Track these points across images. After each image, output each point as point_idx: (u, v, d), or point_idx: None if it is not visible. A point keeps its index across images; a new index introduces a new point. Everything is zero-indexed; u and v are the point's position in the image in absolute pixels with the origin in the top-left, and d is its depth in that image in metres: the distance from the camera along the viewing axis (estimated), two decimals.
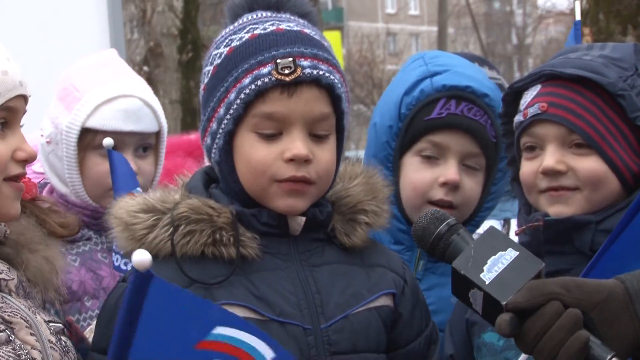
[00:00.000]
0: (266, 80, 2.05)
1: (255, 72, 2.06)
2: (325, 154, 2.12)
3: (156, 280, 1.64)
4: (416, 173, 2.64)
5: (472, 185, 2.61)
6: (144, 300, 1.63)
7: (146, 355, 1.66)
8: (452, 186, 2.58)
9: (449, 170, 2.56)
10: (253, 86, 2.06)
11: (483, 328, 2.37)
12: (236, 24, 2.18)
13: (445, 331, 2.48)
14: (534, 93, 2.33)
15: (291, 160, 2.06)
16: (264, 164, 2.07)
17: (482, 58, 3.75)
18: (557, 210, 2.30)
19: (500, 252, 1.83)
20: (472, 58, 3.61)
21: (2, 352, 1.81)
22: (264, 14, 2.18)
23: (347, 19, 48.01)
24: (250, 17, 2.18)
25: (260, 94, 2.06)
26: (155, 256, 2.06)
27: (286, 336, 2.05)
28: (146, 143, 2.97)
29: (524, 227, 2.34)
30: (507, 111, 2.43)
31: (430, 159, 2.59)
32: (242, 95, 2.07)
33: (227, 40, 2.15)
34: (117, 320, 1.66)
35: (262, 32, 2.12)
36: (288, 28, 2.13)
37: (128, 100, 2.91)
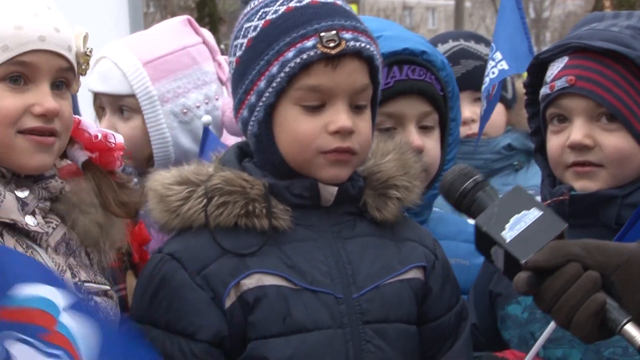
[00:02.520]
0: (311, 53, 2.05)
1: (299, 45, 2.06)
2: (365, 125, 2.14)
3: None
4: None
5: (433, 144, 2.60)
6: None
7: None
8: (417, 153, 2.52)
9: (411, 138, 2.53)
10: (298, 59, 2.05)
11: (507, 300, 2.37)
12: None
13: (469, 300, 2.48)
14: (561, 65, 2.31)
15: (336, 132, 2.08)
16: (309, 136, 2.08)
17: (477, 35, 3.71)
18: (582, 185, 2.29)
19: (524, 211, 1.83)
20: (467, 36, 3.59)
21: None
22: None
23: None
24: None
25: (304, 67, 2.06)
26: (189, 227, 2.12)
27: (318, 304, 2.07)
28: (121, 104, 2.95)
29: (549, 201, 2.33)
30: (532, 81, 2.42)
31: (389, 130, 2.56)
32: (287, 69, 2.06)
33: (260, 13, 2.14)
34: None
35: (298, 4, 2.11)
36: (323, 0, 2.14)
37: (101, 62, 2.95)
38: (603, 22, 2.37)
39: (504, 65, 3.29)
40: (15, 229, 1.97)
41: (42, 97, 2.01)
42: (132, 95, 2.92)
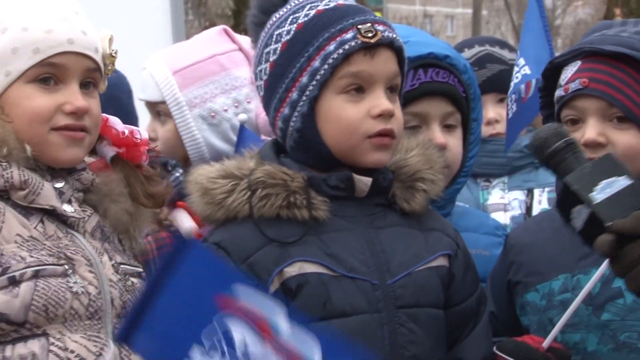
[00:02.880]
0: (352, 43, 2.10)
1: (339, 38, 2.11)
2: (399, 110, 2.18)
3: (195, 244, 1.65)
4: None
5: (456, 142, 2.60)
6: (179, 262, 1.64)
7: (164, 317, 1.66)
8: (440, 150, 2.57)
9: (435, 136, 2.55)
10: (340, 50, 2.10)
11: (526, 288, 2.37)
12: (291, 6, 2.20)
13: (487, 289, 2.48)
14: (575, 69, 2.31)
15: (379, 115, 2.11)
16: (355, 122, 2.11)
17: (502, 41, 3.72)
18: None
19: (615, 177, 1.82)
20: (492, 42, 3.59)
21: (55, 283, 1.90)
22: None
23: (387, 2, 47.64)
24: (300, 0, 2.21)
25: (346, 57, 2.10)
26: (234, 218, 2.13)
27: (356, 290, 2.09)
28: (157, 110, 3.01)
29: None
30: (546, 85, 2.43)
31: (415, 129, 2.57)
32: (330, 60, 2.10)
33: (290, 19, 2.17)
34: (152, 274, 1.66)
35: (326, 7, 2.16)
36: (346, 3, 2.19)
37: (144, 72, 3.03)
38: (612, 29, 2.39)
39: (526, 70, 3.32)
40: (54, 215, 2.00)
41: (72, 96, 2.03)
42: (164, 102, 2.99)
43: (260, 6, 2.26)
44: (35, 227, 1.94)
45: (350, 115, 2.11)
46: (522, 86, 3.34)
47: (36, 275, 1.87)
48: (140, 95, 3.05)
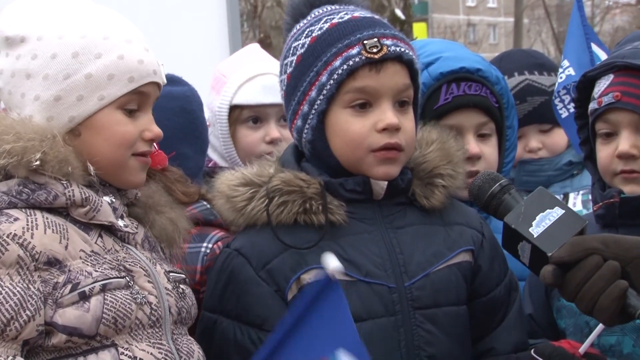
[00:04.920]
0: (357, 59, 2.05)
1: (345, 54, 2.06)
2: (409, 122, 2.12)
3: (337, 287, 1.62)
4: None
5: (490, 150, 2.58)
6: (318, 302, 1.61)
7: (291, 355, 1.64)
8: (475, 159, 2.55)
9: (470, 146, 2.52)
10: (345, 66, 2.05)
11: None
12: (309, 18, 2.17)
13: (525, 291, 2.44)
14: (607, 82, 2.26)
15: (384, 129, 2.06)
16: (360, 136, 2.06)
17: (539, 63, 3.63)
18: (631, 189, 2.25)
19: (548, 210, 1.85)
20: (531, 67, 3.51)
21: (121, 295, 1.88)
22: (333, 7, 2.18)
23: (432, 12, 47.39)
24: (321, 11, 2.17)
25: (351, 73, 2.05)
26: (253, 225, 2.11)
27: (372, 294, 2.05)
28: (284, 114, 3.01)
29: (600, 203, 2.29)
30: (579, 97, 2.38)
31: None
32: (335, 76, 2.06)
33: (306, 32, 2.14)
34: (291, 311, 1.65)
35: (340, 20, 2.12)
36: (362, 15, 2.14)
37: (265, 77, 2.98)
38: None
39: (571, 71, 3.30)
40: (109, 230, 1.98)
41: (150, 124, 2.03)
42: None
43: (291, 14, 2.22)
44: (95, 242, 1.93)
45: (356, 129, 2.06)
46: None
47: (104, 289, 1.86)
48: (267, 99, 2.97)
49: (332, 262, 1.61)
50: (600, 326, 2.05)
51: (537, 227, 1.82)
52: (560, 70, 3.36)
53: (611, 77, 2.27)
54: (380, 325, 2.04)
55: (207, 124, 2.98)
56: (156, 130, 2.04)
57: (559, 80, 3.33)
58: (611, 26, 42.64)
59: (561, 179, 3.38)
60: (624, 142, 2.23)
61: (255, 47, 3.25)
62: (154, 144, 2.10)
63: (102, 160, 1.97)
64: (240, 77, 2.99)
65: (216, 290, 2.12)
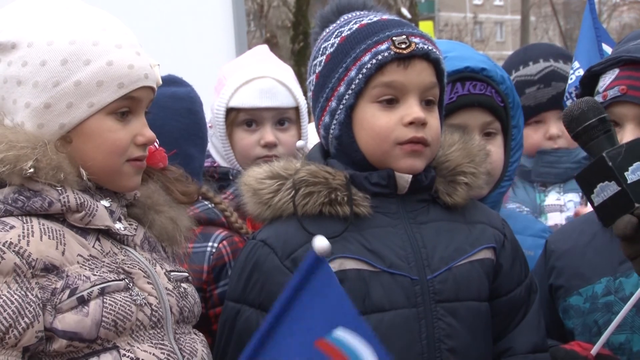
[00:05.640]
0: (386, 54, 2.08)
1: (374, 49, 2.10)
2: (435, 120, 2.15)
3: (326, 267, 1.60)
4: None
5: (496, 149, 2.56)
6: (308, 283, 1.59)
7: (285, 339, 1.62)
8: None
9: None
10: (374, 61, 2.09)
11: (568, 292, 2.31)
12: (339, 21, 2.22)
13: None
14: (613, 76, 2.27)
15: (411, 123, 2.08)
16: (387, 129, 2.09)
17: (563, 53, 3.65)
18: None
19: None
20: (556, 56, 3.52)
21: (120, 297, 1.88)
22: (361, 12, 2.23)
23: (438, 10, 47.37)
24: (350, 15, 2.22)
25: (379, 68, 2.08)
26: (280, 216, 2.13)
27: (395, 285, 2.06)
28: (283, 117, 2.97)
29: None
30: (584, 92, 2.38)
31: None
32: (364, 70, 2.09)
33: (336, 33, 2.18)
34: (281, 295, 1.62)
35: (369, 21, 2.17)
36: (390, 17, 2.19)
37: (263, 80, 2.96)
38: None
39: (581, 72, 3.30)
40: (107, 233, 1.98)
41: (142, 128, 2.02)
42: (294, 108, 2.99)
43: (320, 23, 2.27)
44: (93, 246, 1.92)
45: (383, 123, 2.09)
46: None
47: (102, 293, 1.86)
48: (264, 102, 2.96)
49: (320, 242, 1.58)
50: (612, 327, 2.02)
51: (633, 175, 1.77)
52: (571, 71, 3.38)
53: (617, 71, 2.27)
54: (402, 316, 2.05)
55: (209, 125, 2.99)
56: (149, 135, 2.02)
57: (570, 82, 3.35)
58: (618, 23, 42.52)
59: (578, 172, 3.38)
60: (629, 136, 2.22)
61: (261, 49, 3.23)
62: (155, 141, 2.09)
63: (94, 166, 1.97)
64: (238, 79, 2.98)
65: (240, 280, 2.14)
